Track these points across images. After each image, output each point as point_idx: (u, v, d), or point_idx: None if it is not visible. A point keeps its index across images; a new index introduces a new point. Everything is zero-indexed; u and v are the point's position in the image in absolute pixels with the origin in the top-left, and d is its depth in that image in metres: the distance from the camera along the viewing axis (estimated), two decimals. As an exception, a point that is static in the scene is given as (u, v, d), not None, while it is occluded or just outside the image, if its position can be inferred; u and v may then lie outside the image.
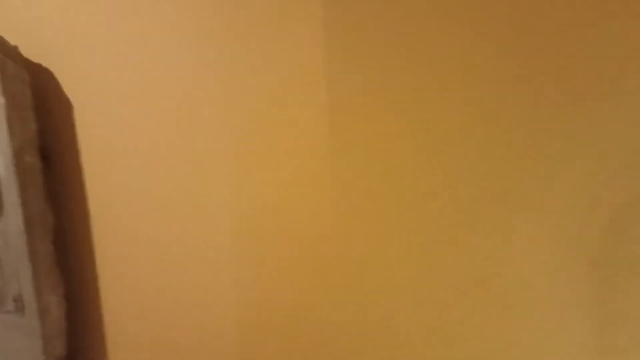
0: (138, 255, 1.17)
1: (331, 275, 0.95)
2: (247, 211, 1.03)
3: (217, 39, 1.00)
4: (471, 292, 0.83)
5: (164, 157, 1.10)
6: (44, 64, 1.19)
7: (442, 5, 0.81)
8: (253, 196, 1.02)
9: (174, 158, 1.09)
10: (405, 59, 0.84)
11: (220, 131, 1.02)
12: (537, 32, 0.75)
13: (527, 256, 0.79)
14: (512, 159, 0.78)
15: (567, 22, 0.73)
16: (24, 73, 1.11)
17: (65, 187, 1.22)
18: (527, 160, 0.78)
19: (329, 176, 0.94)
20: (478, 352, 0.85)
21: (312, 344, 1.00)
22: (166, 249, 1.13)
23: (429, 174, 0.84)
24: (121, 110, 1.13)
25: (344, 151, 0.91)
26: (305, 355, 1.01)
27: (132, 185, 1.15)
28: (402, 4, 0.84)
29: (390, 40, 0.85)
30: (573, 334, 0.78)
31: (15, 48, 1.17)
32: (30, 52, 1.21)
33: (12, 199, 1.11)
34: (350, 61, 0.88)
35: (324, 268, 0.96)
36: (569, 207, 0.76)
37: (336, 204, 0.93)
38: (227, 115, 1.01)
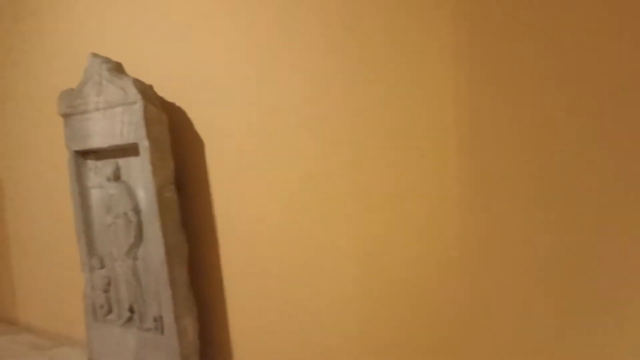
0: (264, 282, 1.22)
1: (455, 326, 0.94)
2: (369, 250, 1.04)
3: (340, 72, 1.01)
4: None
5: (289, 189, 1.13)
6: (177, 103, 1.27)
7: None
8: (376, 236, 1.03)
9: (299, 189, 1.12)
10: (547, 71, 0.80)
11: (346, 169, 1.03)
12: None
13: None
14: None
15: None
16: (163, 115, 1.19)
17: (196, 218, 1.31)
18: None
19: (457, 222, 0.92)
20: None
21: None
22: (290, 276, 1.17)
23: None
24: (249, 145, 1.18)
25: (472, 198, 0.89)
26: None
27: (259, 216, 1.20)
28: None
29: (527, 44, 0.82)
30: None
31: (150, 87, 1.26)
32: (163, 90, 1.30)
33: (154, 231, 1.20)
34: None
35: (444, 313, 0.95)
36: None
37: (461, 258, 0.92)
38: (352, 155, 1.02)
